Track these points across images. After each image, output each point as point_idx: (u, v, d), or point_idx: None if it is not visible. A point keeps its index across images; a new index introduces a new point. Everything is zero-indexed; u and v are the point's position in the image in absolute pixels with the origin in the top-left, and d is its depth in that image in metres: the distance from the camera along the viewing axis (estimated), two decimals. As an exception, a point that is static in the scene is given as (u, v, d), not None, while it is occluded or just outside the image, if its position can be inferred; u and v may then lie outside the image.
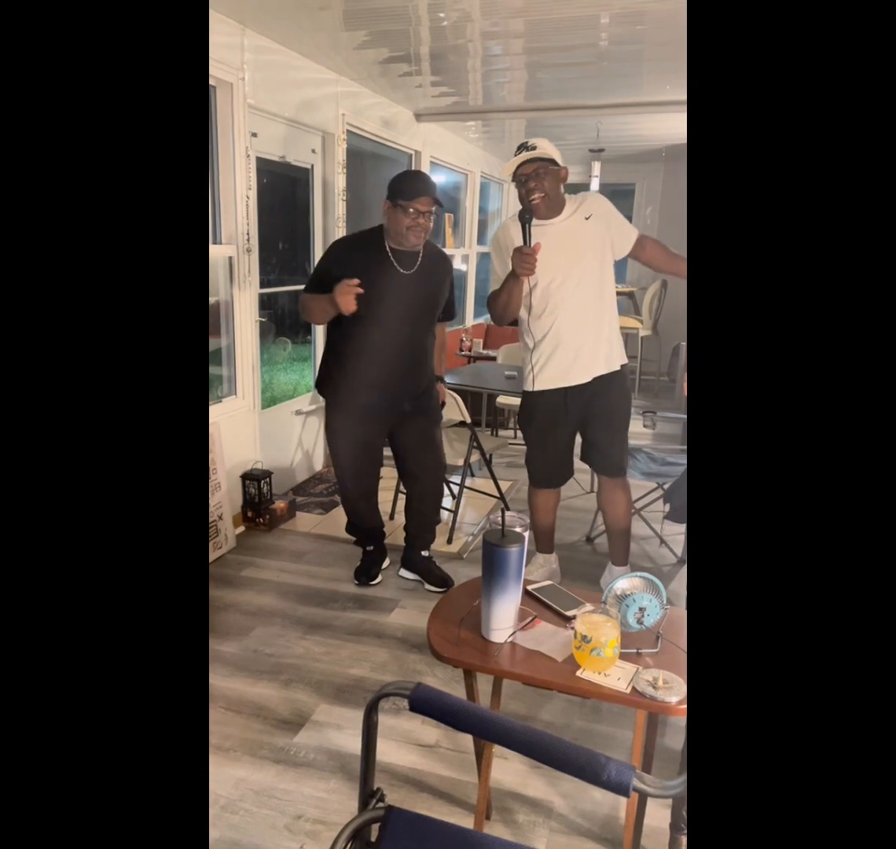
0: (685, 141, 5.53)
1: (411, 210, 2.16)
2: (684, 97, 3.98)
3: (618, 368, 2.32)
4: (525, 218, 2.10)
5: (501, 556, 1.27)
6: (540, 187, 2.15)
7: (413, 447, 2.49)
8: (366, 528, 2.62)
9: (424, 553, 2.64)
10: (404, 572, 2.68)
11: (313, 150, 3.51)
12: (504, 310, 2.26)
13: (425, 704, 1.08)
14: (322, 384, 2.45)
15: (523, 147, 2.17)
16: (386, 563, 2.72)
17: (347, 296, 2.11)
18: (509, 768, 1.71)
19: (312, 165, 3.53)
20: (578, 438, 2.46)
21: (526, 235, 2.10)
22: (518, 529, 1.34)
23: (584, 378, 2.28)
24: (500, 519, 1.32)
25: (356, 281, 2.11)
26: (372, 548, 2.66)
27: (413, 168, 4.66)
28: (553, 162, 2.16)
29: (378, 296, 2.23)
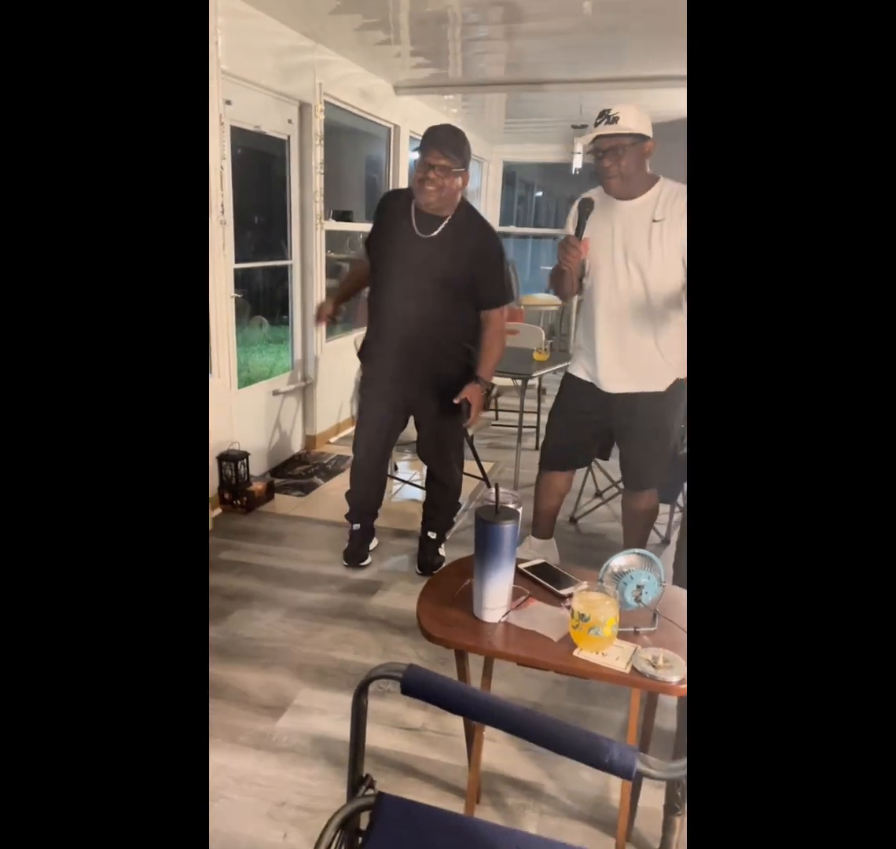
0: (668, 119, 5.47)
1: (423, 163, 2.03)
2: (668, 72, 3.92)
3: (657, 390, 2.10)
4: (584, 209, 1.92)
5: (495, 532, 1.21)
6: (615, 168, 1.90)
7: (425, 435, 2.40)
8: (363, 500, 2.53)
9: (431, 534, 2.56)
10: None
11: (290, 121, 3.39)
12: (558, 290, 2.15)
13: (418, 686, 1.03)
14: (363, 345, 2.39)
15: (604, 115, 1.90)
16: (374, 543, 2.66)
17: (320, 319, 2.21)
18: (498, 750, 1.67)
19: (289, 136, 3.41)
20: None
21: (580, 226, 1.92)
22: (511, 505, 1.28)
23: (608, 387, 2.13)
24: (492, 495, 1.27)
25: (327, 317, 2.22)
26: (358, 526, 2.59)
27: (393, 143, 4.56)
28: (639, 136, 1.89)
29: (391, 257, 2.14)
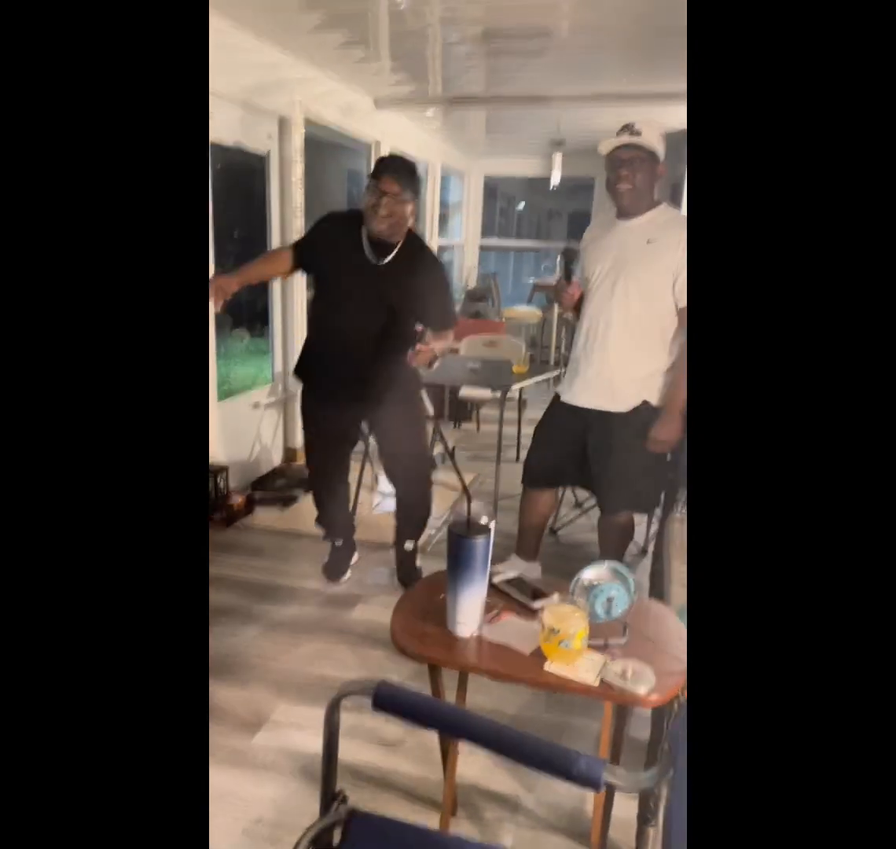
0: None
1: (376, 189, 2.06)
2: (642, 90, 3.99)
3: (625, 410, 2.11)
4: (568, 256, 2.02)
5: (467, 547, 1.23)
6: (631, 179, 1.93)
7: (388, 439, 2.41)
8: (332, 521, 2.55)
9: (408, 546, 2.55)
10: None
11: (269, 136, 3.41)
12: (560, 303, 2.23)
13: (389, 702, 1.04)
14: (297, 365, 2.39)
15: (628, 128, 1.93)
16: (355, 558, 2.66)
17: (215, 294, 1.99)
18: (475, 763, 1.68)
19: (268, 152, 3.44)
20: None
21: (568, 272, 2.02)
22: (484, 520, 1.30)
23: (582, 402, 2.16)
24: (465, 510, 1.28)
25: (225, 294, 2.02)
26: (340, 543, 2.59)
27: (374, 158, 4.59)
28: (654, 155, 1.94)
29: (340, 281, 2.17)
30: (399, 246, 2.17)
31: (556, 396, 2.28)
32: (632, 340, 2.06)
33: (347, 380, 2.25)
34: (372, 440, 2.53)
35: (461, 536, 1.23)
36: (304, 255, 2.22)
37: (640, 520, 3.00)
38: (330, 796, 1.08)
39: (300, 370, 2.38)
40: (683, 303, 1.99)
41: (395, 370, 2.30)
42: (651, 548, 2.91)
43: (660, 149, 1.95)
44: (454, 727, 1.05)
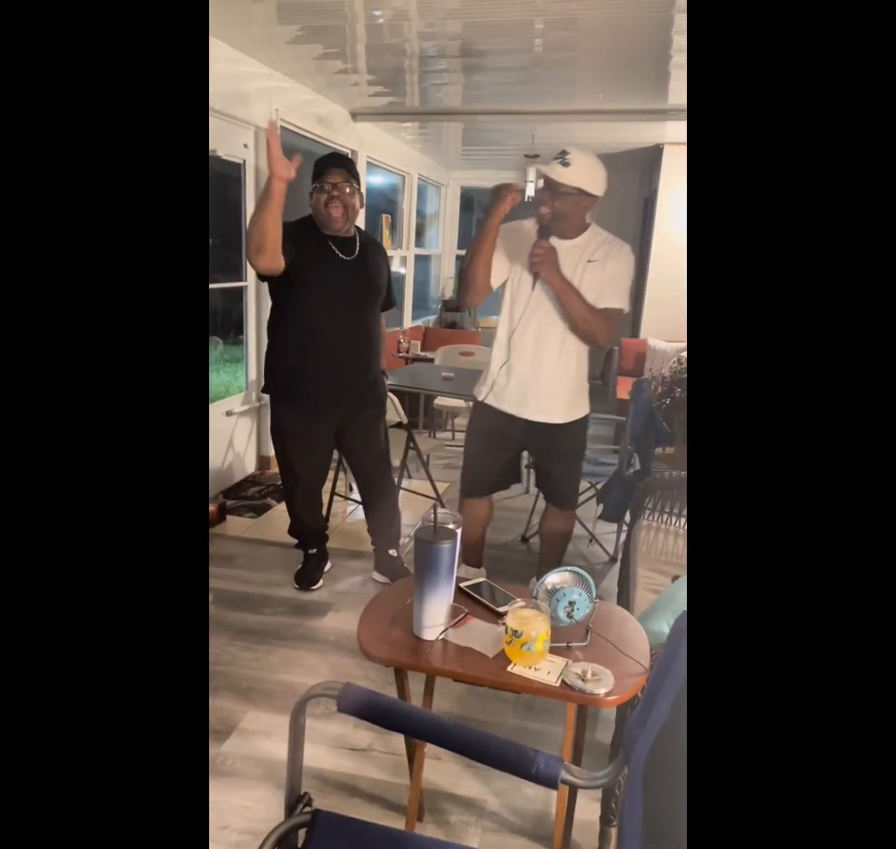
0: (615, 150, 5.68)
1: (326, 185, 2.14)
2: (616, 106, 4.09)
3: (578, 417, 2.21)
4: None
5: (433, 552, 1.25)
6: (549, 204, 1.98)
7: (362, 441, 2.44)
8: (308, 529, 2.56)
9: (392, 552, 2.57)
10: (377, 576, 2.64)
11: (245, 145, 3.43)
12: (473, 272, 2.07)
13: (354, 704, 1.06)
14: (268, 381, 2.34)
15: (562, 155, 1.97)
16: (328, 566, 2.67)
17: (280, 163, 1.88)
18: (443, 769, 1.69)
19: (244, 160, 3.45)
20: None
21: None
22: (451, 526, 1.32)
23: (536, 417, 2.17)
24: (432, 516, 1.31)
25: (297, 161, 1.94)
26: (314, 551, 2.60)
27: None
28: (583, 193, 1.95)
29: (323, 283, 2.19)
30: (357, 239, 2.27)
31: (483, 406, 2.24)
32: (567, 355, 2.11)
33: (335, 385, 2.28)
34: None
35: (427, 541, 1.26)
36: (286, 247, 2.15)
37: (611, 529, 3.06)
38: (295, 798, 1.10)
39: (277, 386, 2.31)
40: (602, 304, 2.03)
41: (376, 366, 2.40)
42: (620, 556, 2.95)
43: (590, 185, 1.96)
44: (418, 729, 1.07)
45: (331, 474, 2.83)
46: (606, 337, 2.09)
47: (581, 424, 2.24)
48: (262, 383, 2.39)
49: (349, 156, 2.30)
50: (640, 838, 0.87)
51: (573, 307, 2.01)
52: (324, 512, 2.63)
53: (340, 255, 2.22)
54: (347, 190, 2.16)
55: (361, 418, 2.41)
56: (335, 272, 2.21)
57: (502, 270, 2.11)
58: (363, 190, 2.29)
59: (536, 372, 2.13)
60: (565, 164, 1.95)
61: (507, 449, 2.29)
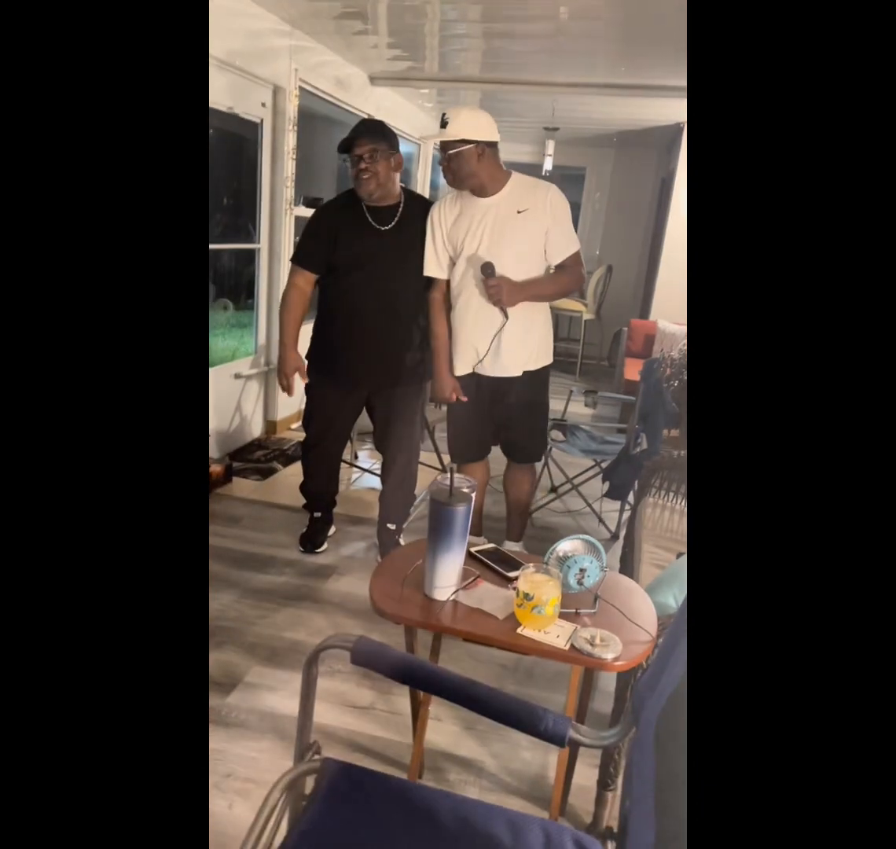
0: (635, 128, 5.60)
1: (354, 158, 2.12)
2: (638, 82, 4.02)
3: (541, 367, 2.27)
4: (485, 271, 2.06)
5: (447, 514, 1.26)
6: (446, 166, 2.06)
7: (389, 420, 2.43)
8: (318, 491, 2.57)
9: (390, 526, 2.57)
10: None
11: (263, 104, 3.38)
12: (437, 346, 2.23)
13: (367, 656, 1.08)
14: (310, 349, 2.40)
15: (441, 120, 2.04)
16: (332, 530, 2.69)
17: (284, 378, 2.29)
18: (443, 729, 1.73)
19: (262, 120, 3.40)
20: None
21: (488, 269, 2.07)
22: (465, 489, 1.33)
23: (501, 373, 2.21)
24: (448, 479, 1.31)
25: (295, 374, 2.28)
26: (320, 514, 2.61)
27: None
28: (470, 142, 1.99)
29: (352, 255, 2.19)
30: (400, 207, 2.22)
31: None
32: (522, 313, 2.14)
33: (367, 358, 2.29)
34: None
35: (442, 503, 1.26)
36: (316, 256, 2.23)
37: (614, 507, 3.08)
38: (305, 746, 1.12)
39: (315, 357, 2.38)
40: (556, 261, 2.12)
41: (415, 341, 2.35)
42: (622, 533, 2.97)
43: (477, 131, 2.01)
44: (430, 683, 1.09)
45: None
46: (578, 283, 2.20)
47: (542, 372, 2.30)
48: (275, 345, 2.41)
49: (379, 121, 2.25)
50: (651, 800, 0.89)
51: (543, 297, 2.15)
52: (337, 478, 2.63)
53: (376, 225, 2.19)
54: (374, 157, 2.12)
55: (392, 396, 2.38)
56: (367, 244, 2.19)
57: (445, 261, 2.18)
58: (398, 150, 2.22)
59: (493, 329, 2.15)
60: (444, 124, 2.03)
61: (476, 405, 2.31)
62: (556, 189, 2.12)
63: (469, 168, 2.04)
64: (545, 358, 2.29)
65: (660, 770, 0.87)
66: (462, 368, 2.25)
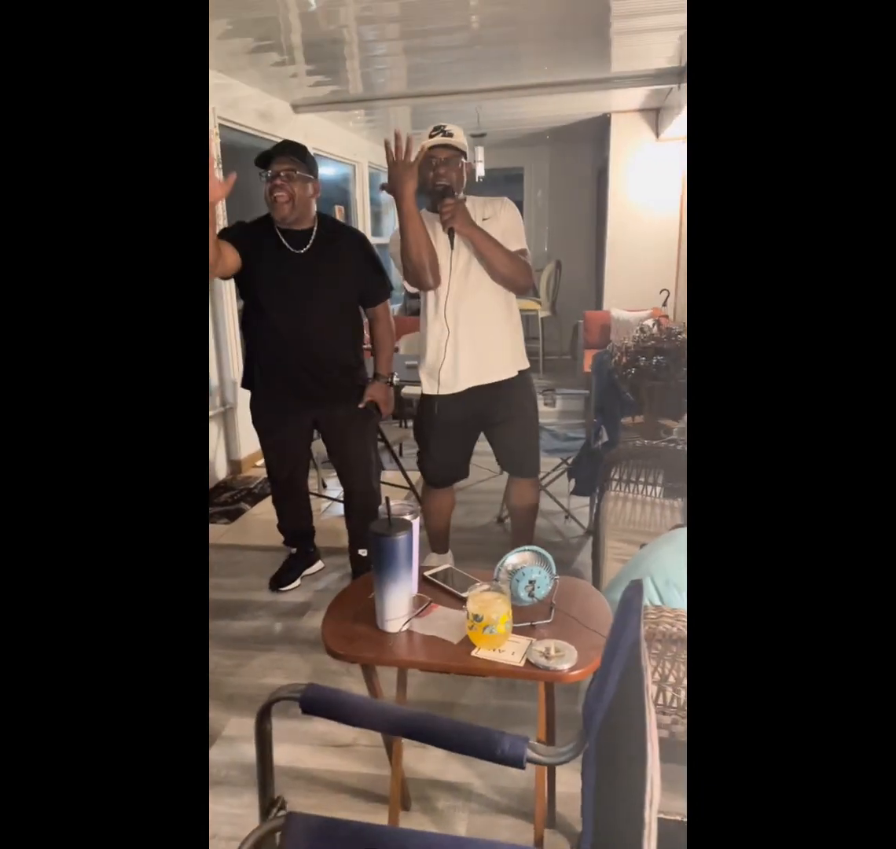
0: (565, 123, 5.65)
1: (272, 173, 2.08)
2: (562, 78, 4.06)
3: (523, 369, 2.26)
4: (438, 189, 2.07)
5: (388, 545, 1.25)
6: (448, 176, 2.08)
7: (338, 441, 2.40)
8: (292, 527, 2.55)
9: (361, 552, 2.53)
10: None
11: (185, 146, 3.36)
12: (417, 256, 2.04)
13: (316, 704, 1.06)
14: (245, 375, 2.38)
15: (440, 129, 2.11)
16: (319, 566, 2.66)
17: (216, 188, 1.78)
18: (428, 757, 1.70)
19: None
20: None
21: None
22: (407, 517, 1.32)
23: (489, 379, 2.19)
24: (386, 508, 1.30)
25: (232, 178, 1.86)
26: (295, 550, 2.59)
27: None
28: (464, 155, 2.12)
29: (268, 279, 2.16)
30: (314, 231, 2.19)
31: (427, 398, 2.24)
32: (496, 314, 2.17)
33: (297, 382, 2.25)
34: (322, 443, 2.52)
35: (381, 534, 1.25)
36: (235, 241, 2.14)
37: (584, 503, 3.08)
38: (269, 802, 1.10)
39: (250, 383, 2.36)
40: (514, 247, 2.14)
41: (346, 364, 2.31)
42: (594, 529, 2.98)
43: (465, 145, 2.13)
44: (382, 724, 1.07)
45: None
46: (527, 279, 2.18)
47: (526, 378, 2.28)
48: (229, 385, 2.38)
49: (301, 144, 2.21)
50: (592, 812, 0.88)
51: (492, 252, 2.08)
52: (308, 512, 2.59)
53: (289, 248, 2.16)
54: (292, 176, 2.08)
55: (336, 418, 2.35)
56: (282, 267, 2.16)
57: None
58: (317, 178, 2.19)
59: (482, 331, 2.15)
60: (449, 134, 2.09)
61: (461, 433, 2.27)
62: (508, 199, 2.20)
63: (456, 176, 2.11)
64: (523, 361, 2.27)
65: (599, 781, 0.86)
66: (433, 388, 2.20)
